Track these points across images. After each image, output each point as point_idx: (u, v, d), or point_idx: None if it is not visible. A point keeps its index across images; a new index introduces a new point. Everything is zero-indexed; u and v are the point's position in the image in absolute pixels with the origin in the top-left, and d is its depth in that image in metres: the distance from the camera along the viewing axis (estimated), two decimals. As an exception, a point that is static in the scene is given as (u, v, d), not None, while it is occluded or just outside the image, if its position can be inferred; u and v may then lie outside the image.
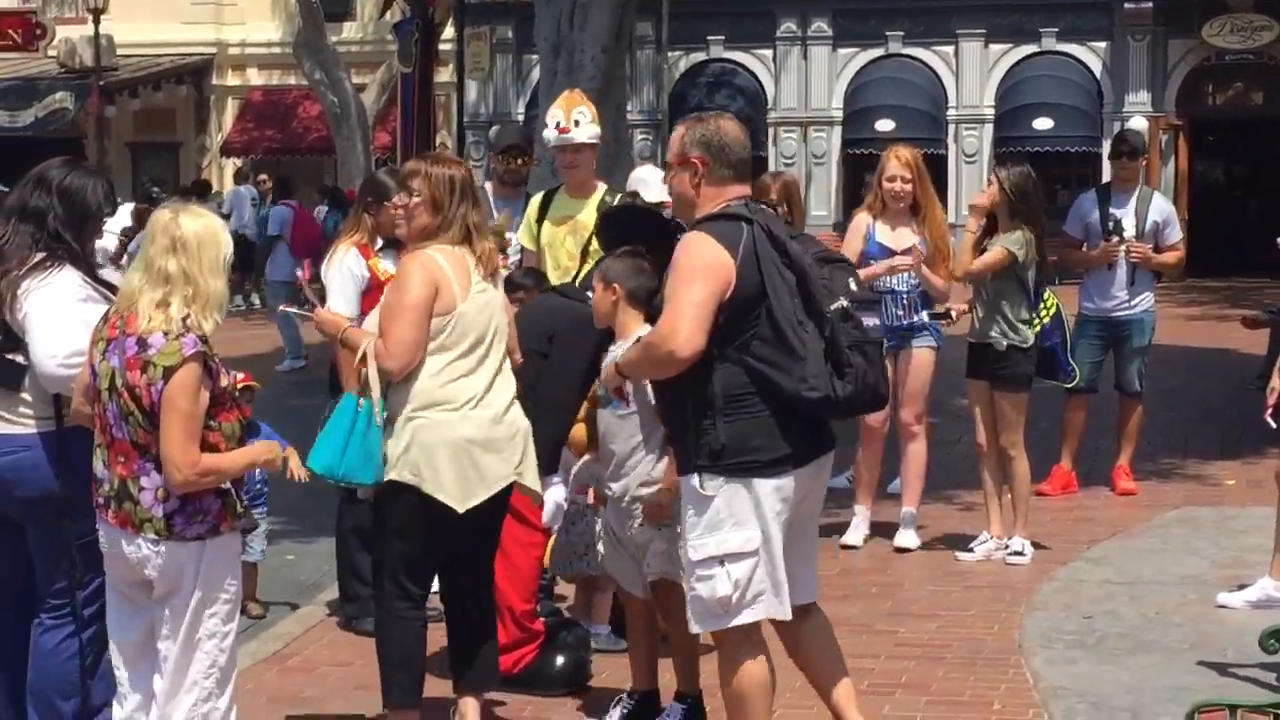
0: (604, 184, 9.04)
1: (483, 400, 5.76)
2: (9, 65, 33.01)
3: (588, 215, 8.40)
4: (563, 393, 6.58)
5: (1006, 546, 8.92)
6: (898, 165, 9.36)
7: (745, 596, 5.27)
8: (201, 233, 5.05)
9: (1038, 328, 9.01)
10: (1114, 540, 9.38)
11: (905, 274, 9.21)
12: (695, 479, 5.22)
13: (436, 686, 6.29)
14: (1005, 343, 8.93)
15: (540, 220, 8.64)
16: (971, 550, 8.99)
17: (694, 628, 5.46)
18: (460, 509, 5.71)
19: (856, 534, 9.36)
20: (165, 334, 4.95)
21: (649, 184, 9.38)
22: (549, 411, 6.52)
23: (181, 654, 5.09)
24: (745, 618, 5.34)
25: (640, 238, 6.75)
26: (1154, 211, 10.92)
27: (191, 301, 5.00)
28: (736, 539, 5.20)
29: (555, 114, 8.65)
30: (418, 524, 5.72)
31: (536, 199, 9.00)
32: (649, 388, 5.72)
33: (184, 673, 5.09)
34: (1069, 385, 9.79)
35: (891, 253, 9.26)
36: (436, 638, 6.20)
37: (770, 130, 32.10)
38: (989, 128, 31.14)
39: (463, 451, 5.70)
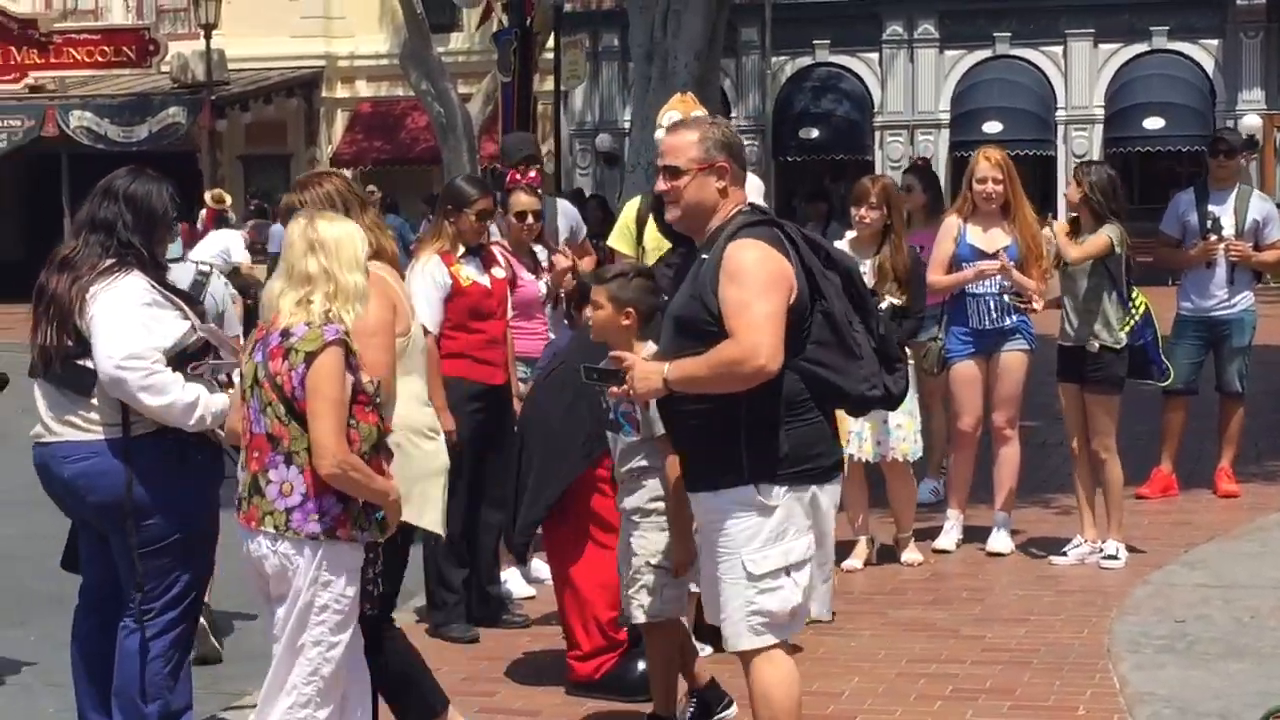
0: None
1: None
2: (123, 81, 33.54)
3: None
4: None
5: (1100, 550, 8.83)
6: (988, 166, 9.27)
7: (807, 602, 5.24)
8: (339, 234, 5.18)
9: (1130, 326, 8.88)
10: (1211, 544, 9.24)
11: (996, 277, 9.14)
12: (752, 490, 5.12)
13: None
14: (1098, 344, 8.81)
15: (641, 225, 8.57)
16: (1065, 555, 8.90)
17: (747, 644, 5.20)
18: (442, 534, 5.94)
19: (949, 538, 9.28)
20: (308, 324, 5.06)
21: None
22: None
23: (284, 656, 5.14)
24: (801, 623, 5.31)
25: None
26: (1253, 210, 10.76)
27: (333, 298, 5.10)
28: (800, 547, 5.15)
29: (672, 115, 8.56)
30: (397, 551, 5.69)
31: (634, 203, 8.93)
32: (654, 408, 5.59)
33: (283, 675, 5.14)
34: (1164, 384, 9.62)
35: (983, 254, 9.18)
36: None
37: (876, 134, 32.02)
38: (1099, 128, 30.86)
39: (442, 478, 5.87)
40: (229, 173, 33.51)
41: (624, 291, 6.00)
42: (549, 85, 33.22)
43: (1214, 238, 10.64)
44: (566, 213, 10.25)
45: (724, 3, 13.21)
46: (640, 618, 6.11)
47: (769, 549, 5.11)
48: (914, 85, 31.80)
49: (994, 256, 9.13)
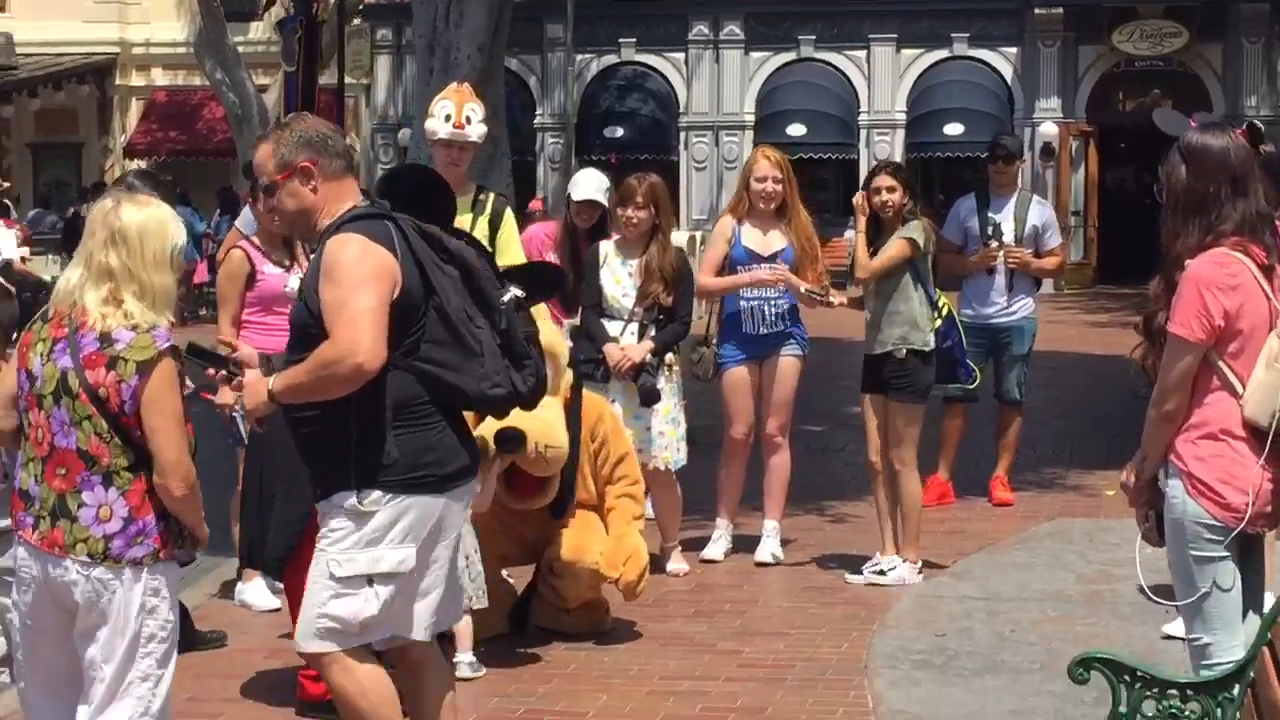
0: (475, 183, 8.72)
1: None
2: (-94, 63, 32.38)
3: (463, 215, 8.04)
4: None
5: (878, 565, 8.56)
6: (768, 165, 9.05)
7: (385, 618, 4.94)
8: (144, 223, 4.67)
9: (937, 325, 8.63)
10: (981, 554, 9.14)
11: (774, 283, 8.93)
12: (352, 494, 4.83)
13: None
14: (905, 349, 8.48)
15: None
16: (861, 573, 8.58)
17: (311, 646, 4.96)
18: None
19: (717, 548, 9.06)
20: (133, 328, 4.57)
21: (579, 184, 9.09)
22: None
23: (106, 695, 4.65)
24: (373, 636, 5.00)
25: (417, 203, 6.40)
26: (1033, 216, 10.70)
27: (140, 298, 4.61)
28: (392, 559, 4.86)
29: (445, 105, 8.22)
30: None
31: None
32: None
33: (109, 716, 4.66)
34: (971, 386, 9.40)
35: (758, 257, 8.97)
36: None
37: (682, 134, 31.90)
38: (900, 133, 31.03)
39: None
40: (17, 161, 32.49)
41: None
42: (349, 80, 32.79)
43: (994, 244, 10.55)
44: None
45: (507, -4, 12.89)
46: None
47: (356, 553, 4.84)
48: (719, 86, 31.72)
49: (770, 259, 8.93)
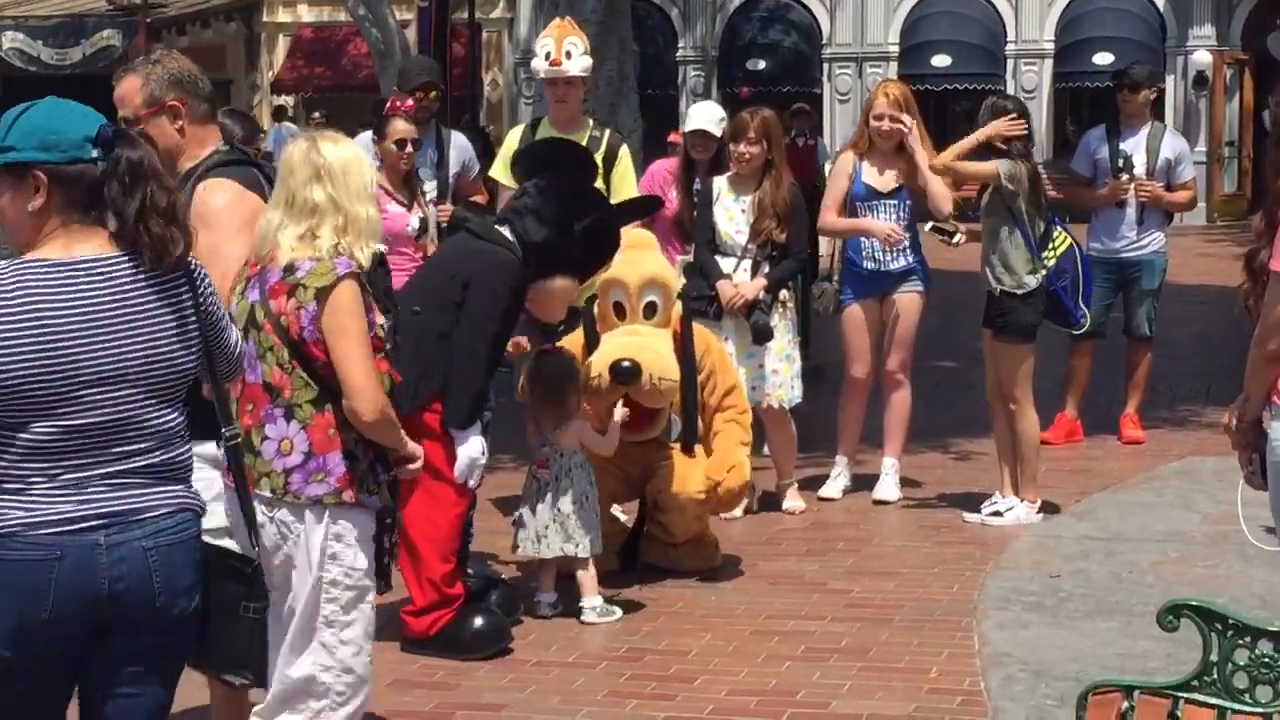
0: (592, 119, 8.69)
1: None
2: (56, 3, 32.85)
3: None
4: (482, 342, 6.25)
5: (995, 504, 8.45)
6: (885, 103, 8.92)
7: None
8: (347, 158, 4.66)
9: (1042, 271, 8.43)
10: (1104, 494, 8.96)
11: (892, 215, 8.80)
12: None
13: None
14: (999, 288, 8.39)
15: None
16: (979, 512, 8.45)
17: None
18: None
19: (835, 486, 8.98)
20: (314, 259, 4.55)
21: (691, 116, 9.04)
22: (469, 360, 6.21)
23: (291, 642, 4.64)
24: None
25: (558, 170, 6.46)
26: (1166, 148, 10.42)
27: (343, 231, 4.58)
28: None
29: (545, 44, 8.27)
30: None
31: (517, 131, 8.67)
32: None
33: (294, 662, 4.65)
34: (1077, 331, 9.22)
35: (877, 193, 8.85)
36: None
37: (825, 66, 31.56)
38: (1048, 63, 30.47)
39: None
40: (168, 98, 32.89)
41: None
42: (496, 13, 32.81)
43: (1124, 177, 10.31)
44: (459, 146, 9.92)
45: (635, -73, 12.78)
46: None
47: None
48: (863, 17, 31.30)
49: (889, 195, 8.80)
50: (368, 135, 8.56)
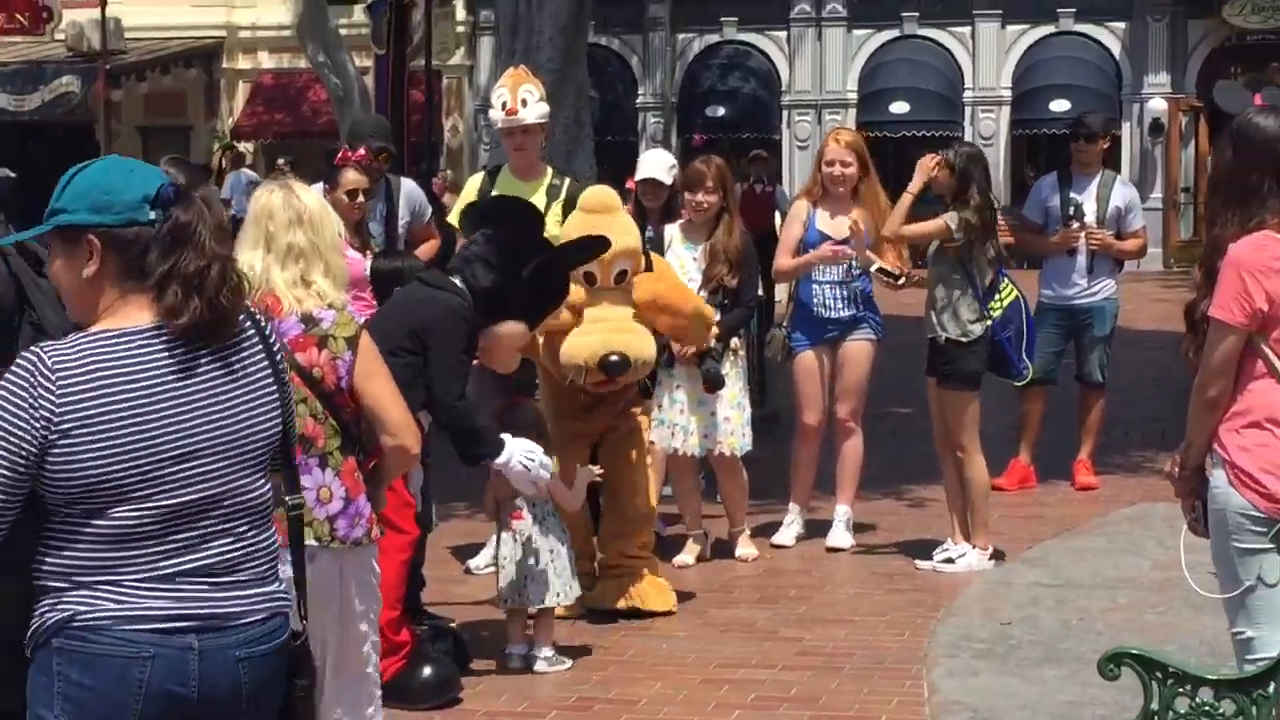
0: (551, 167, 8.74)
1: None
2: (16, 49, 32.78)
3: (537, 199, 8.06)
4: (456, 386, 6.25)
5: (946, 551, 8.47)
6: (838, 149, 8.98)
7: None
8: (322, 208, 4.84)
9: (987, 320, 8.46)
10: (1056, 540, 8.99)
11: (845, 263, 8.83)
12: None
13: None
14: (945, 336, 8.44)
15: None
16: (931, 559, 8.48)
17: None
18: None
19: (788, 533, 8.98)
20: (329, 306, 4.69)
21: (641, 163, 9.09)
22: (456, 413, 6.20)
23: (335, 674, 4.71)
24: None
25: (504, 229, 6.50)
26: (1116, 197, 10.50)
27: (325, 275, 4.73)
28: None
29: (501, 93, 8.32)
30: None
31: (476, 179, 8.71)
32: None
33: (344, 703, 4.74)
34: (1019, 384, 9.26)
35: (830, 241, 8.88)
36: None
37: (784, 113, 31.73)
38: (1005, 110, 30.71)
39: None
40: (127, 144, 32.80)
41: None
42: (456, 60, 32.86)
43: (1075, 225, 10.38)
44: (409, 194, 9.97)
45: (591, -24, 12.83)
46: None
47: None
48: (822, 64, 31.50)
49: (843, 243, 8.82)
50: (319, 187, 8.59)
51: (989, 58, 30.75)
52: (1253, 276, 4.60)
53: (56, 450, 3.21)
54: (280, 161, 27.85)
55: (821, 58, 31.48)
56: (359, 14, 32.39)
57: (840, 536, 8.87)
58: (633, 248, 7.49)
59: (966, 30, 30.89)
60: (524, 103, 8.09)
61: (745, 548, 8.67)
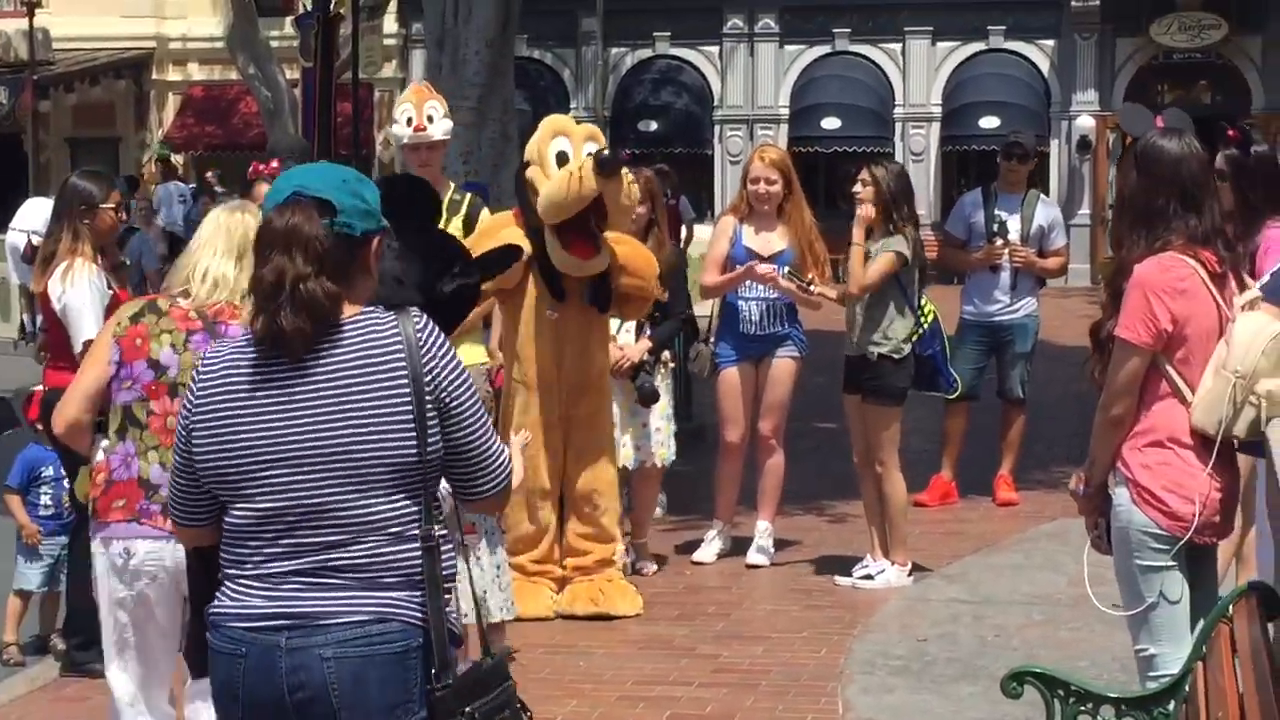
0: (453, 182, 8.72)
1: None
2: (-58, 60, 32.55)
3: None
4: None
5: (866, 567, 8.50)
6: (762, 166, 9.00)
7: None
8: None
9: (917, 336, 8.52)
10: (975, 556, 9.03)
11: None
12: None
13: None
14: (877, 353, 8.45)
15: None
16: (850, 575, 8.50)
17: None
18: None
19: (709, 550, 8.98)
20: None
21: None
22: None
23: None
24: None
25: (410, 209, 6.43)
26: (1040, 215, 10.58)
27: None
28: None
29: (405, 109, 8.28)
30: None
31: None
32: None
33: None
34: (951, 397, 9.37)
35: (758, 257, 8.89)
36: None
37: (716, 128, 31.78)
38: (936, 126, 30.84)
39: None
40: (55, 156, 32.59)
41: None
42: (388, 73, 32.76)
43: (999, 242, 10.44)
44: None
45: (516, -10, 12.84)
46: None
47: None
48: (754, 80, 31.58)
49: (769, 260, 8.83)
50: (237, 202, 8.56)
51: (919, 74, 30.91)
52: (1158, 297, 4.64)
53: (193, 441, 3.50)
54: (209, 175, 27.76)
55: (754, 73, 31.56)
56: (289, 26, 32.30)
57: (760, 553, 8.88)
58: (599, 134, 7.89)
59: (897, 47, 31.03)
60: (430, 119, 8.08)
61: (646, 560, 8.69)
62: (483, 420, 3.57)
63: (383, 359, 3.45)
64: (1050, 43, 30.49)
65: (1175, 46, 29.75)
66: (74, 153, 33.81)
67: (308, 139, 16.28)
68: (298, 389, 3.42)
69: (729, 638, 7.53)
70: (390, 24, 30.15)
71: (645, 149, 30.49)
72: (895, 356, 8.40)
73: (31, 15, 29.79)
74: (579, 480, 7.74)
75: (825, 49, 31.36)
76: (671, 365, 8.76)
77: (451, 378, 3.53)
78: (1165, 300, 4.64)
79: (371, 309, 3.54)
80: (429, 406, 3.44)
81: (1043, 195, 11.36)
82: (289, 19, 31.94)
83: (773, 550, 8.94)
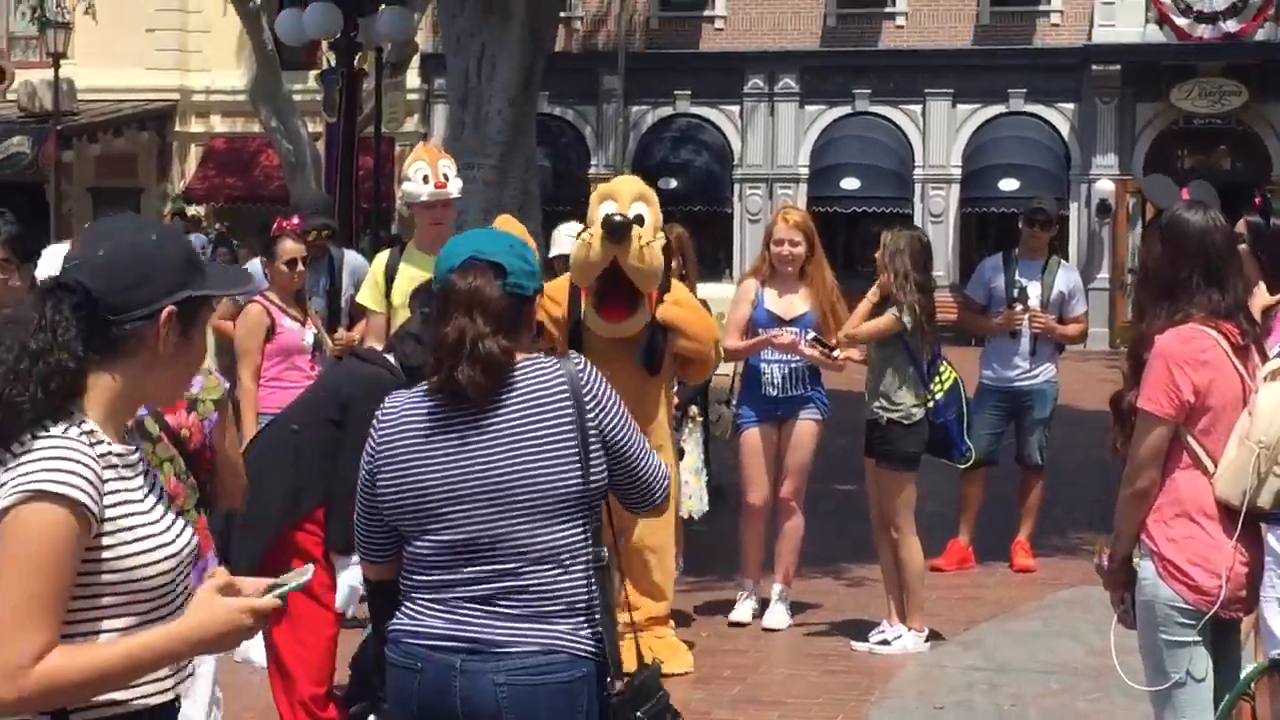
0: None
1: None
2: (-35, 110, 32.78)
3: None
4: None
5: (883, 632, 8.45)
6: (785, 228, 8.98)
7: None
8: None
9: (930, 403, 8.50)
10: (992, 622, 8.96)
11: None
12: None
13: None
14: (885, 417, 8.45)
15: (390, 279, 8.27)
16: (867, 640, 8.45)
17: None
18: None
19: (744, 609, 8.93)
20: (200, 374, 4.92)
21: (558, 240, 9.13)
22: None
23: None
24: None
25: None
26: (1060, 282, 10.55)
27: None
28: None
29: (420, 168, 8.27)
30: None
31: (382, 256, 8.60)
32: None
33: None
34: (963, 465, 9.28)
35: (780, 320, 8.87)
36: None
37: (736, 187, 31.88)
38: (955, 188, 30.91)
39: None
40: (78, 205, 32.75)
41: None
42: (409, 127, 32.90)
43: (1019, 307, 10.42)
44: (352, 267, 9.99)
45: (540, 49, 12.86)
46: None
47: None
48: (774, 139, 31.70)
49: (791, 323, 8.81)
50: (257, 261, 8.64)
51: (940, 136, 30.99)
52: (1180, 368, 4.62)
53: (377, 482, 3.82)
54: (219, 225, 27.86)
55: (774, 132, 31.67)
56: (312, 80, 32.47)
57: (777, 616, 8.83)
58: (649, 194, 7.92)
59: (918, 108, 31.13)
60: (446, 177, 8.12)
61: None
62: (641, 443, 3.88)
63: (549, 399, 3.77)
64: (1070, 106, 30.56)
65: (1196, 112, 29.81)
66: (96, 203, 33.97)
67: (329, 192, 16.35)
68: (470, 432, 3.74)
69: (745, 702, 7.48)
70: (413, 79, 30.29)
71: (665, 207, 30.58)
72: (905, 422, 8.37)
73: (57, 66, 30.01)
74: (634, 537, 7.68)
75: (845, 109, 31.48)
76: (700, 419, 8.75)
77: (611, 409, 3.84)
78: (1188, 371, 4.62)
79: (537, 355, 3.86)
80: (592, 438, 3.75)
81: (1064, 261, 11.35)
82: (312, 73, 32.19)
83: (790, 614, 8.89)
